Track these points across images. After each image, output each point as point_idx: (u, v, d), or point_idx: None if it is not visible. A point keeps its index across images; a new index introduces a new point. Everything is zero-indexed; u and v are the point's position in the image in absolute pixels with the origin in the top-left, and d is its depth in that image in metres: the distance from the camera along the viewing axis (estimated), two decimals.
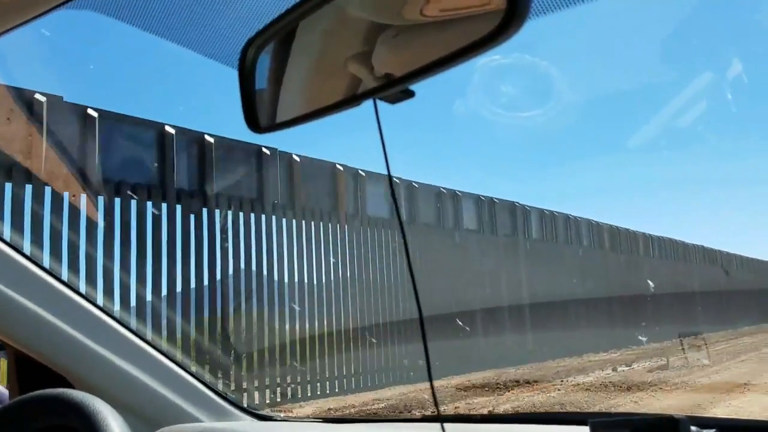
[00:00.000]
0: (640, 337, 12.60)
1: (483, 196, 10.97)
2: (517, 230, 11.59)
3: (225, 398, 1.38)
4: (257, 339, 7.16)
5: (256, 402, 6.83)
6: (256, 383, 6.99)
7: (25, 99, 5.69)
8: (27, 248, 1.25)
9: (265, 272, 7.36)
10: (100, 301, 5.64)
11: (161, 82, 13.52)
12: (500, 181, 19.32)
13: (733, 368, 8.58)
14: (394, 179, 9.20)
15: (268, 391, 7.09)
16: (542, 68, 12.21)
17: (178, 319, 6.44)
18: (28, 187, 5.58)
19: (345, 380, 7.93)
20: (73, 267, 5.72)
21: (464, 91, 14.79)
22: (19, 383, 1.28)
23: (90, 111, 6.17)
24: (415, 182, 9.63)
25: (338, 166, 8.60)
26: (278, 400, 7.12)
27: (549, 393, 6.96)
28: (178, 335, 6.52)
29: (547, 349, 10.78)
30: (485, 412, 5.80)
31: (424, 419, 1.55)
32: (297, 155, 8.09)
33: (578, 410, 5.48)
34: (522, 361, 10.09)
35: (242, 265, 7.22)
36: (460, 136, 16.56)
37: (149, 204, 6.44)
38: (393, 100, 0.69)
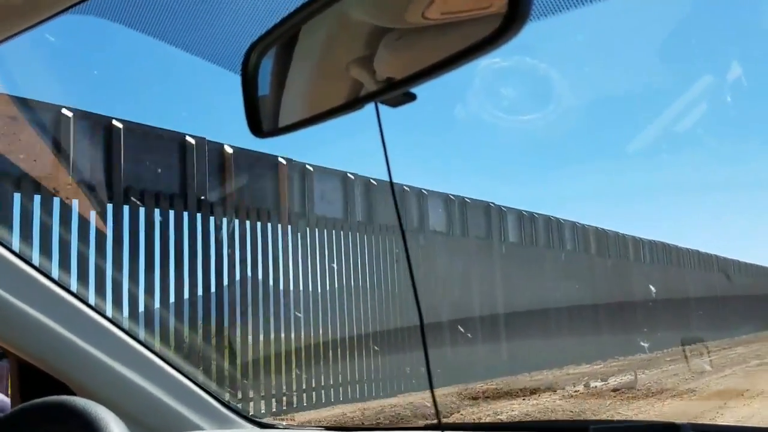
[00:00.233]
0: (626, 347, 12.09)
1: (453, 195, 10.03)
2: (491, 232, 10.61)
3: (227, 406, 1.37)
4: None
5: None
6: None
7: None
8: (35, 258, 1.25)
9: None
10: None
11: (160, 82, 13.62)
12: (500, 184, 19.24)
13: (713, 384, 7.99)
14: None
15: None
16: (542, 71, 12.15)
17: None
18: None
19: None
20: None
21: (464, 95, 14.79)
22: (21, 391, 1.28)
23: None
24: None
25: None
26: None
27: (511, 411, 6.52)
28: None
29: (523, 361, 10.05)
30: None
31: (426, 428, 1.54)
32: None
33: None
34: (491, 375, 9.17)
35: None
36: (460, 139, 16.54)
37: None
38: (394, 103, 0.69)
